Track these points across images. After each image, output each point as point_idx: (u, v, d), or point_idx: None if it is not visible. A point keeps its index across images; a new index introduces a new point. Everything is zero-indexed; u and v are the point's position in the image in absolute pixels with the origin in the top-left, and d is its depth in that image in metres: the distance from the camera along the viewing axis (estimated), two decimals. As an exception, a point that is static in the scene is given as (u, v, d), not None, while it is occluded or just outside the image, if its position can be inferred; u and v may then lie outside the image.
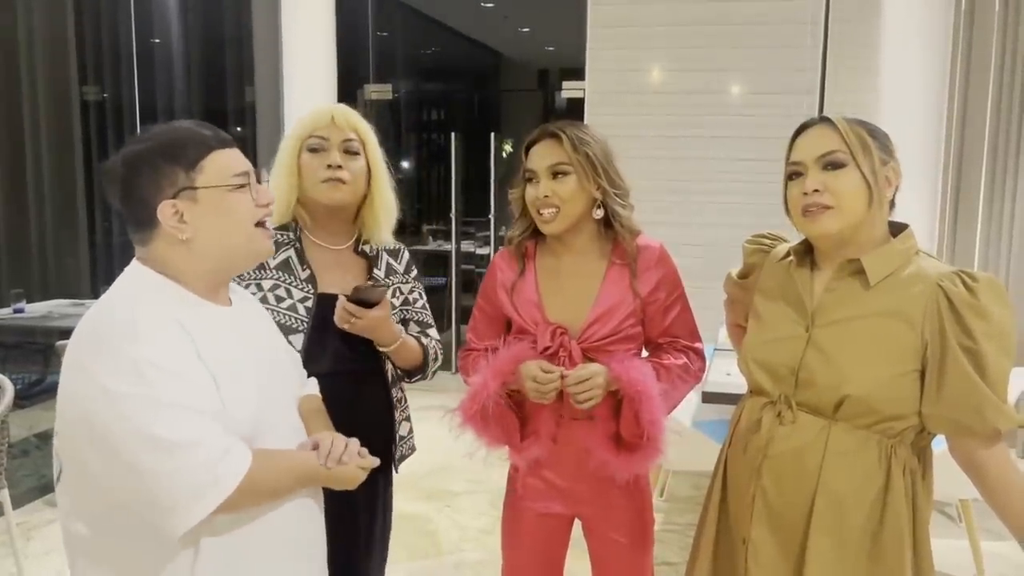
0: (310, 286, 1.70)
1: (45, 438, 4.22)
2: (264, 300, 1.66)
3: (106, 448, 1.09)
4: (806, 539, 1.39)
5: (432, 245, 7.27)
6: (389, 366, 1.82)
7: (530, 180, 1.71)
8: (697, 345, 1.79)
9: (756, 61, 4.98)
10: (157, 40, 5.92)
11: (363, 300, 1.64)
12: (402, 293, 1.85)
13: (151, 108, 5.75)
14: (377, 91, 6.21)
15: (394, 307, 1.80)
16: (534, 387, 1.63)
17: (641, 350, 1.78)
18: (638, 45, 5.16)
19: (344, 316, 1.66)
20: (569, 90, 5.63)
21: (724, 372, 2.90)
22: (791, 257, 1.53)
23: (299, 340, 1.66)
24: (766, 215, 5.12)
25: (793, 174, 1.45)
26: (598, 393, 1.62)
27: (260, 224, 1.26)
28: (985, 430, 1.33)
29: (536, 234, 1.77)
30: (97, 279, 5.60)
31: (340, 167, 1.69)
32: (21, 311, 4.10)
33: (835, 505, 1.38)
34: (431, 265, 7.23)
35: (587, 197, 1.69)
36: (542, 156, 1.69)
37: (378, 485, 1.84)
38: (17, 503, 3.39)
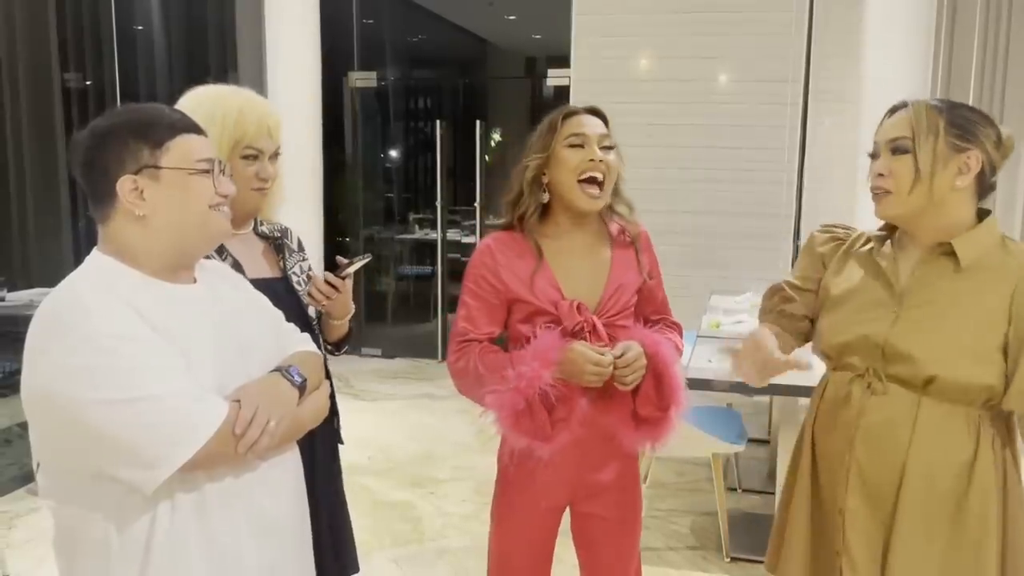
0: (239, 274, 1.68)
1: (28, 427, 4.19)
2: None
3: (75, 423, 1.10)
4: (896, 506, 1.46)
5: (418, 234, 7.25)
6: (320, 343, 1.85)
7: (574, 146, 1.69)
8: (678, 322, 1.90)
9: (741, 49, 4.99)
10: (140, 27, 5.86)
11: (347, 276, 1.72)
12: (303, 271, 1.87)
13: (133, 95, 5.69)
14: (362, 79, 6.18)
15: (301, 284, 1.83)
16: (594, 370, 1.58)
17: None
18: (623, 33, 5.15)
19: (326, 290, 1.70)
20: (555, 78, 5.63)
21: (706, 359, 2.92)
22: (871, 244, 1.57)
23: None
24: (751, 203, 5.19)
25: (872, 155, 1.51)
26: (643, 370, 1.64)
27: (214, 208, 1.27)
28: None
29: (539, 216, 1.74)
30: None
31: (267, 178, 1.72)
32: (2, 299, 4.07)
33: (925, 473, 1.44)
34: (418, 254, 7.21)
35: (617, 177, 1.75)
36: (592, 125, 1.70)
37: (331, 467, 1.85)
38: (-1, 492, 3.39)
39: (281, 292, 1.74)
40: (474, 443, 4.25)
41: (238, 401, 1.19)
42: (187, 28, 5.83)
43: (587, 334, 1.66)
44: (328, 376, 1.79)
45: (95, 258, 1.24)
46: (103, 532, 1.17)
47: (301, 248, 1.94)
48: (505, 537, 1.85)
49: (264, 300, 1.47)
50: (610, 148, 1.70)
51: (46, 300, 1.19)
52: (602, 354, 1.59)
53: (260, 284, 1.67)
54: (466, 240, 6.89)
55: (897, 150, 1.45)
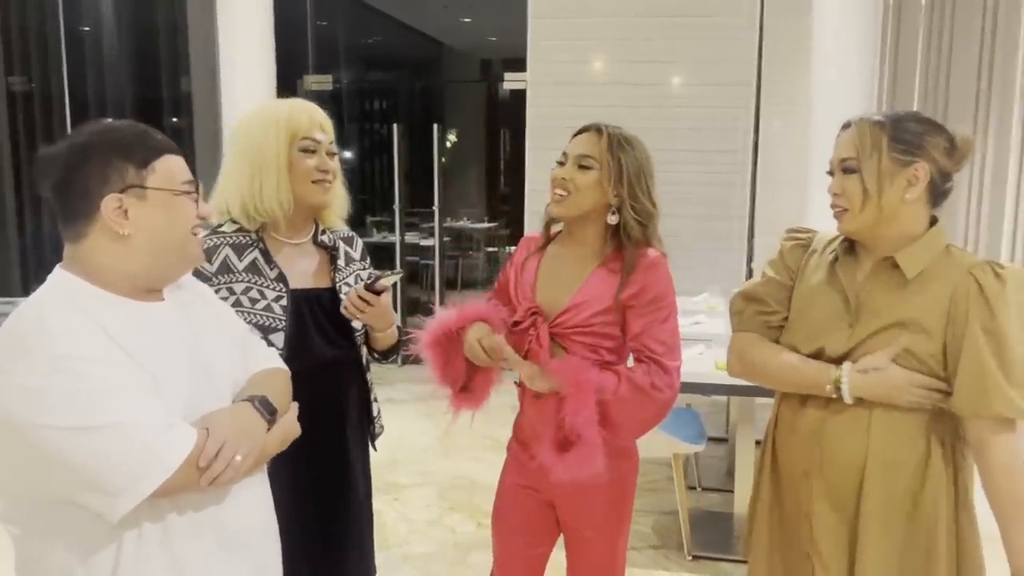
0: (281, 285, 1.72)
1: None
2: (238, 304, 1.67)
3: (35, 448, 1.07)
4: (859, 508, 1.51)
5: (376, 237, 7.22)
6: (364, 352, 1.89)
7: (558, 163, 1.78)
8: (666, 361, 1.69)
9: (696, 53, 5.07)
10: (87, 28, 5.73)
11: (374, 289, 1.71)
12: (362, 279, 1.88)
13: (82, 98, 5.57)
14: (317, 81, 6.14)
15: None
16: (470, 347, 1.74)
17: (620, 356, 1.79)
18: (579, 37, 5.19)
19: (359, 305, 1.70)
20: (512, 81, 5.65)
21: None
22: (835, 253, 1.62)
23: (279, 339, 1.69)
24: (707, 205, 5.26)
25: (829, 173, 1.57)
26: (540, 385, 1.69)
27: (194, 230, 1.27)
28: (990, 413, 1.40)
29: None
30: (28, 274, 5.42)
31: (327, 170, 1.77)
32: (-53, 310, 3.95)
33: (883, 475, 1.50)
34: (375, 257, 7.17)
35: (602, 197, 1.73)
36: (577, 144, 1.77)
37: (357, 464, 1.88)
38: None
39: (326, 302, 1.78)
40: (436, 448, 4.25)
41: (207, 429, 1.17)
42: (137, 29, 5.73)
43: (530, 336, 1.73)
44: (367, 384, 1.90)
45: (61, 277, 1.21)
46: (66, 561, 1.14)
47: (364, 257, 1.98)
48: (498, 521, 1.93)
49: (229, 314, 1.46)
50: (587, 168, 1.73)
51: (9, 318, 1.16)
52: (492, 350, 1.71)
53: (302, 294, 1.74)
54: (424, 243, 6.88)
55: (847, 170, 1.51)
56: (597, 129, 1.75)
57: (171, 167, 1.23)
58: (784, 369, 1.58)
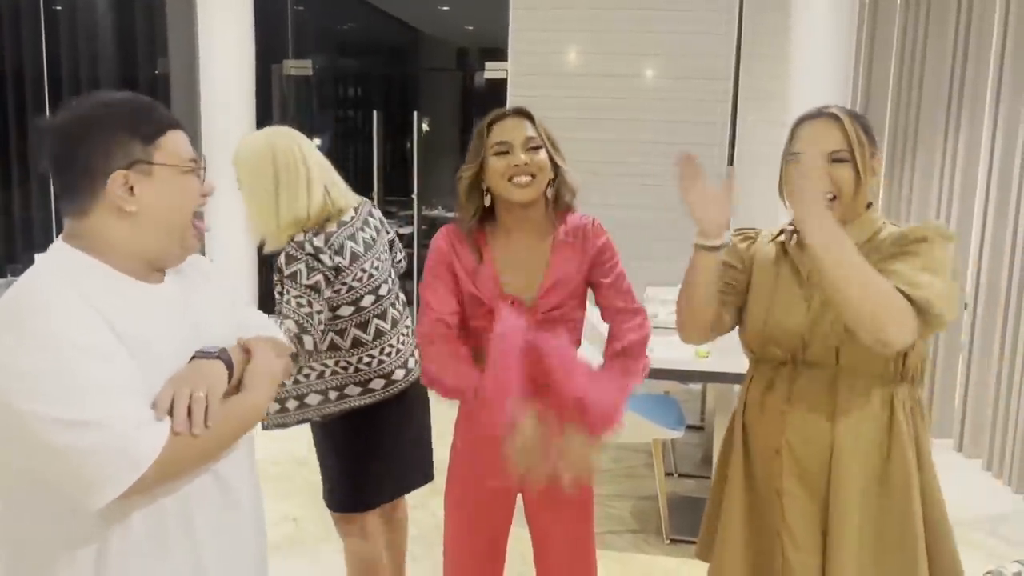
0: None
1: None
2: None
3: (18, 427, 1.06)
4: (829, 484, 1.57)
5: (351, 224, 7.18)
6: None
7: (500, 153, 1.77)
8: (634, 305, 1.92)
9: (675, 46, 5.12)
10: (58, 7, 5.63)
11: None
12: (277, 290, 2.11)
13: (55, 78, 5.48)
14: (296, 67, 6.09)
15: None
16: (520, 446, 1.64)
17: (582, 319, 1.88)
18: (560, 27, 5.22)
19: None
20: (492, 71, 5.66)
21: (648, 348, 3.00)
22: (782, 237, 1.70)
23: None
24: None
25: (794, 159, 1.62)
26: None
27: (196, 215, 1.25)
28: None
29: (482, 218, 1.84)
30: (13, 251, 5.35)
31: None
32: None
33: (851, 448, 1.56)
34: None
35: (549, 171, 1.80)
36: (516, 129, 1.78)
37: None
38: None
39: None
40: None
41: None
42: (114, 11, 5.64)
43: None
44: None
45: (63, 251, 1.18)
46: (49, 545, 1.12)
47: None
48: (455, 520, 1.94)
49: (228, 286, 1.45)
50: (537, 148, 1.77)
51: (9, 290, 1.14)
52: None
53: None
54: (403, 231, 6.87)
55: (837, 160, 1.57)
56: (523, 113, 1.81)
57: (177, 142, 1.21)
58: (684, 280, 1.64)
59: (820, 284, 1.50)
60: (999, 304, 3.93)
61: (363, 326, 2.16)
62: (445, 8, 8.24)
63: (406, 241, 6.77)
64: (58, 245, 1.19)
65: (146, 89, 5.68)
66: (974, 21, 4.07)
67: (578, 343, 1.89)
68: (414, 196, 6.19)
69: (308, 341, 2.03)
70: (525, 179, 1.76)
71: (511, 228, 1.84)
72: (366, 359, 2.19)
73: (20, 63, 5.47)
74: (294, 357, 2.00)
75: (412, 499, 3.48)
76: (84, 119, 1.16)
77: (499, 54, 5.43)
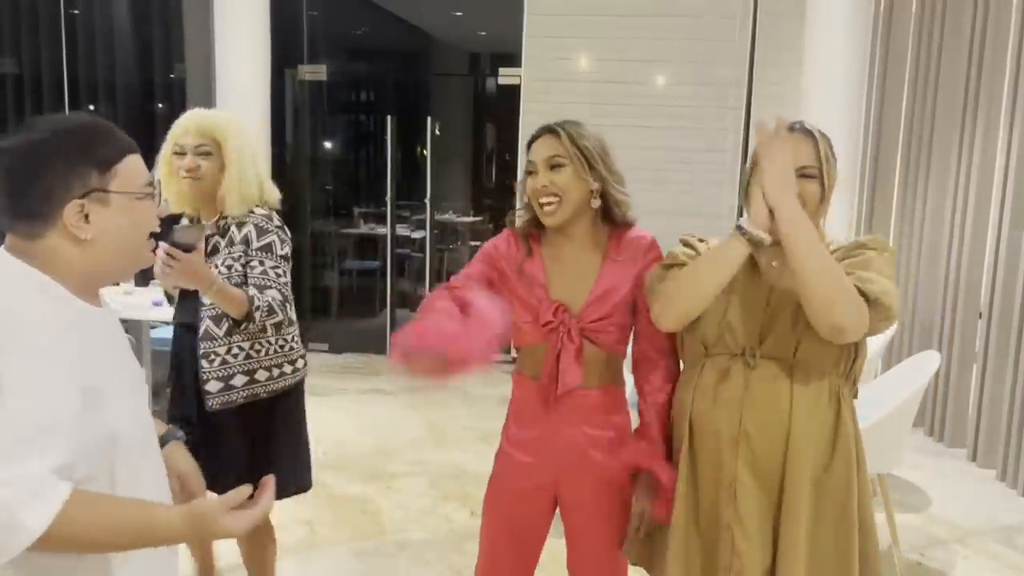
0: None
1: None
2: None
3: None
4: (784, 476, 1.59)
5: (364, 228, 7.22)
6: (206, 321, 2.14)
7: (531, 173, 1.80)
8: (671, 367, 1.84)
9: (689, 53, 5.13)
10: (76, 11, 5.68)
11: (181, 244, 1.85)
12: (234, 259, 2.14)
13: (72, 82, 5.53)
14: (311, 71, 6.13)
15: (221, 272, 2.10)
16: None
17: (628, 337, 1.87)
18: (574, 34, 5.24)
19: (167, 261, 1.86)
20: (506, 76, 5.68)
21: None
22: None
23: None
24: (694, 204, 5.32)
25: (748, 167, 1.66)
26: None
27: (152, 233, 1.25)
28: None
29: (539, 225, 1.84)
30: None
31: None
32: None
33: (804, 440, 1.59)
34: (363, 249, 7.17)
35: (584, 187, 1.77)
36: (541, 150, 1.78)
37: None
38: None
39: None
40: (427, 438, 4.28)
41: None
42: (131, 14, 5.69)
43: (562, 337, 1.76)
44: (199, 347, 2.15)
45: (11, 262, 1.13)
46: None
47: (248, 242, 2.15)
48: (491, 523, 1.93)
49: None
50: (558, 167, 1.76)
51: None
52: None
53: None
54: (415, 235, 6.89)
55: (805, 176, 1.61)
56: (550, 130, 1.80)
57: (133, 169, 1.18)
58: (700, 265, 1.63)
59: (786, 259, 1.54)
60: (1014, 314, 3.92)
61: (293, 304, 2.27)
62: (459, 14, 8.28)
63: (419, 245, 6.80)
64: (7, 260, 1.14)
65: (162, 94, 5.73)
66: (989, 29, 4.07)
67: (624, 354, 1.88)
68: (427, 200, 6.20)
69: (290, 310, 2.15)
70: (549, 202, 1.76)
71: (560, 243, 1.85)
72: (295, 338, 2.30)
73: (39, 67, 5.52)
74: (277, 327, 2.13)
75: (425, 503, 3.52)
76: (40, 145, 1.13)
77: (512, 60, 5.45)
